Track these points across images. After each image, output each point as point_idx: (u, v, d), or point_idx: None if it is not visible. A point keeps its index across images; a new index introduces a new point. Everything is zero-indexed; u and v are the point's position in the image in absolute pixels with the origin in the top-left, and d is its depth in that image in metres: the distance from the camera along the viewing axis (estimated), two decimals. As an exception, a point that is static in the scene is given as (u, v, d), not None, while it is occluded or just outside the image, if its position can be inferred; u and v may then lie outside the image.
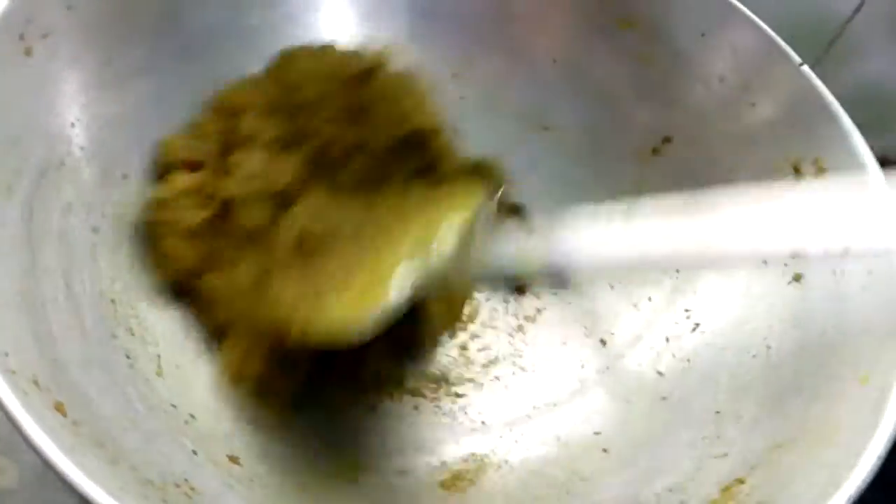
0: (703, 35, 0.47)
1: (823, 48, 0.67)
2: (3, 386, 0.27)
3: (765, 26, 0.45)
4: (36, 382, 0.30)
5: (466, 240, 0.38)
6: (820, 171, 0.43)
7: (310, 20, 0.49)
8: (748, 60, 0.46)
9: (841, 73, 0.68)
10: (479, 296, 0.50)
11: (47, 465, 0.27)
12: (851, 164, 0.42)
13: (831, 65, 0.67)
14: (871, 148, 0.42)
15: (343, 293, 0.36)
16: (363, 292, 0.35)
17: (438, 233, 0.37)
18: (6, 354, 0.29)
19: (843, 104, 0.43)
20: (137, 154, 0.43)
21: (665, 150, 0.50)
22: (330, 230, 0.40)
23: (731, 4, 0.46)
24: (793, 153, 0.44)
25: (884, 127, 0.72)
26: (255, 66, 0.48)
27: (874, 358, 0.36)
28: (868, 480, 0.31)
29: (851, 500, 0.30)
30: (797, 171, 0.43)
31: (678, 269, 0.47)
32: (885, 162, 0.73)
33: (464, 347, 0.49)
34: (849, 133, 0.42)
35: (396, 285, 0.35)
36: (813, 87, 0.44)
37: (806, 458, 0.35)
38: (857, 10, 0.65)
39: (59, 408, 0.30)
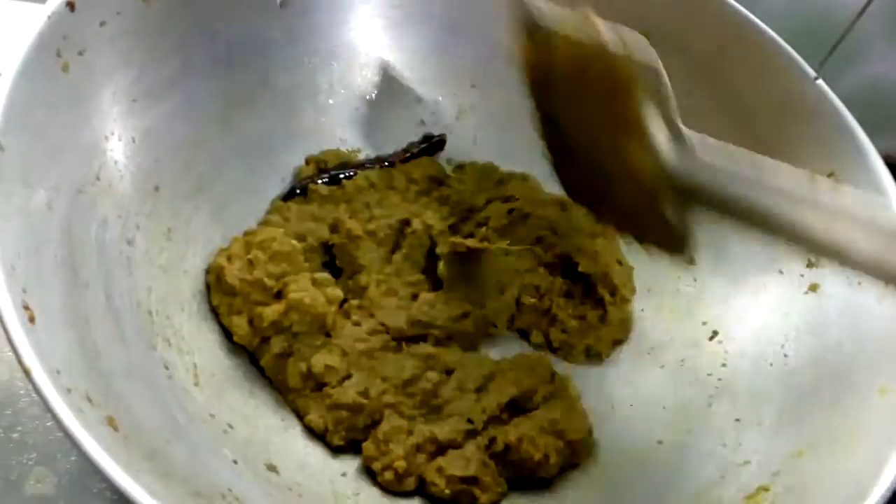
0: (719, 48, 0.48)
1: (829, 48, 0.67)
2: (63, 406, 0.28)
3: (781, 41, 0.46)
4: (89, 399, 0.30)
5: None
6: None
7: (336, 32, 0.50)
8: (765, 75, 0.47)
9: (846, 74, 0.69)
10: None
11: (106, 481, 0.28)
12: (867, 179, 0.43)
13: (837, 65, 0.67)
14: (876, 148, 0.43)
15: None
16: None
17: None
18: (58, 372, 0.30)
19: (848, 104, 0.45)
20: (168, 166, 0.44)
21: (682, 161, 0.50)
22: None
23: (748, 19, 0.47)
24: (809, 168, 0.45)
25: (889, 127, 0.73)
26: (280, 77, 0.49)
27: (891, 370, 0.37)
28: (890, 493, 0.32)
29: (877, 511, 0.32)
30: (813, 185, 0.44)
31: (695, 279, 0.48)
32: (889, 162, 0.74)
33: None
34: (865, 148, 0.43)
35: None
36: (829, 102, 0.45)
37: (828, 467, 0.36)
38: (864, 10, 0.65)
39: (112, 422, 0.31)
